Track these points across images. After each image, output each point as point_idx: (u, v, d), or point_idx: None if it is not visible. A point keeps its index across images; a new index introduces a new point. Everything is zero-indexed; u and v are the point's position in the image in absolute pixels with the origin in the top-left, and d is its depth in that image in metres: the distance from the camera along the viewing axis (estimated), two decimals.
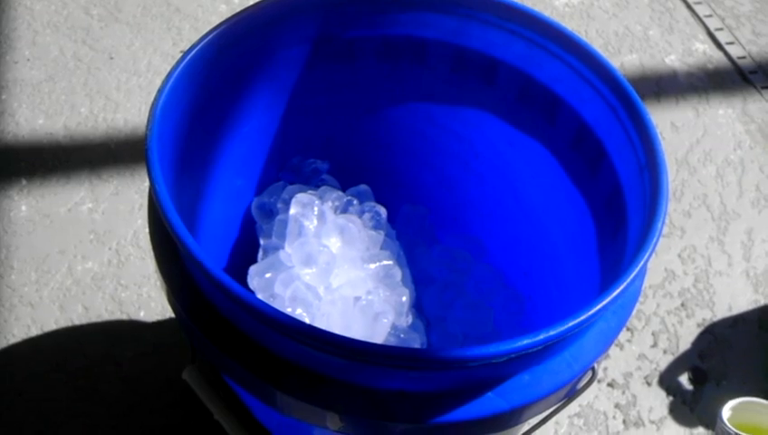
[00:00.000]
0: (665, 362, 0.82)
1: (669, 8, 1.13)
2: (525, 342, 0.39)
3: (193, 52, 0.52)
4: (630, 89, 0.53)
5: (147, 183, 0.91)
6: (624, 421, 0.78)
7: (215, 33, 0.53)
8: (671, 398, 0.80)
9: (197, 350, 0.53)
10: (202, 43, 0.52)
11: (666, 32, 1.10)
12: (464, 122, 0.66)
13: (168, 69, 0.52)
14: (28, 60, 1.01)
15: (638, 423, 0.78)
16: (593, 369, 0.47)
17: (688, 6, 1.13)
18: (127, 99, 0.98)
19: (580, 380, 0.47)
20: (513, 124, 0.63)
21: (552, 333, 0.40)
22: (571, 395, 0.48)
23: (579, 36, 0.57)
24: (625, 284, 0.43)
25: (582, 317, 0.41)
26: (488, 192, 0.70)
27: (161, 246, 0.51)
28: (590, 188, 0.58)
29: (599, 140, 0.56)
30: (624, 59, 1.06)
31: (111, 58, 1.02)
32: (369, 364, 0.40)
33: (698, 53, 1.08)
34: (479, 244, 0.72)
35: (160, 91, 0.50)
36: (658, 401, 0.80)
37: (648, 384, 0.81)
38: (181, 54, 0.53)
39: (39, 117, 0.96)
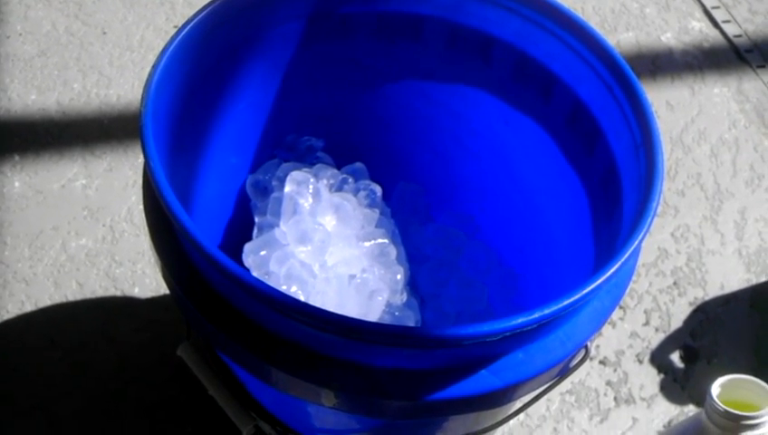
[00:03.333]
0: (656, 340, 0.83)
1: None
2: (519, 320, 0.40)
3: (186, 28, 0.51)
4: (627, 67, 0.53)
5: (140, 159, 0.90)
6: (615, 398, 0.79)
7: (208, 9, 0.53)
8: (662, 375, 0.81)
9: (192, 326, 0.54)
10: (195, 20, 0.52)
11: (662, 9, 1.10)
12: (459, 100, 0.66)
13: (162, 44, 0.51)
14: (20, 34, 1.00)
15: (630, 400, 0.79)
16: (586, 347, 0.48)
17: None
18: (120, 74, 0.97)
19: (573, 358, 0.48)
20: (509, 102, 0.63)
21: (545, 311, 0.40)
22: (564, 373, 0.48)
23: (575, 14, 0.56)
24: (619, 263, 0.43)
25: (576, 296, 0.41)
26: (483, 170, 0.70)
27: (156, 223, 0.51)
28: (585, 167, 0.58)
29: (594, 119, 0.56)
30: (620, 36, 1.06)
31: (104, 33, 1.01)
32: (363, 342, 0.40)
33: (694, 31, 1.08)
34: (473, 222, 0.72)
35: (154, 67, 0.50)
36: (649, 379, 0.81)
37: (640, 362, 0.81)
38: (175, 30, 0.53)
39: (31, 92, 0.95)
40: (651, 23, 1.08)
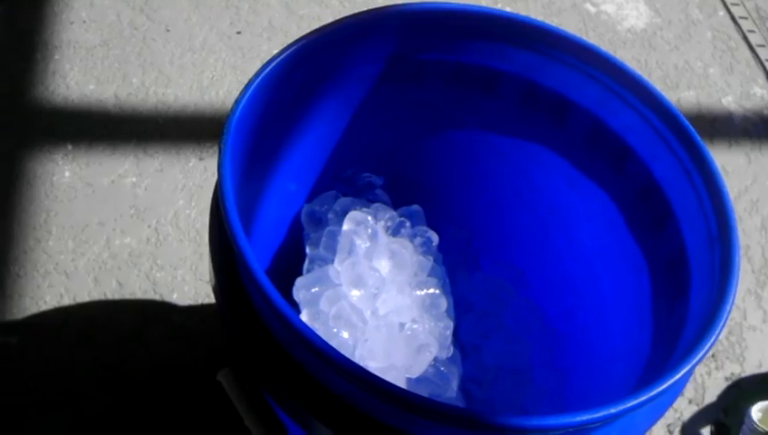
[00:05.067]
0: (689, 412, 0.82)
1: (732, 47, 1.11)
2: (590, 416, 0.39)
3: (270, 66, 0.51)
4: (710, 157, 0.52)
5: (191, 164, 0.90)
6: None
7: (291, 49, 0.53)
8: None
9: (241, 362, 0.53)
10: (279, 58, 0.52)
11: (725, 71, 1.08)
12: (525, 155, 0.66)
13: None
14: (84, 21, 1.01)
15: None
16: None
17: (751, 48, 1.11)
18: (179, 74, 0.97)
19: None
20: (577, 166, 0.62)
21: (619, 408, 0.39)
22: None
23: (658, 90, 0.56)
24: (688, 368, 0.42)
25: (647, 396, 0.41)
26: (539, 226, 0.69)
27: (219, 250, 0.50)
28: (650, 245, 0.57)
29: (667, 200, 0.55)
30: (681, 94, 1.05)
31: (168, 30, 1.01)
32: (424, 419, 0.40)
33: (756, 97, 1.07)
34: (522, 275, 0.72)
35: (237, 103, 0.49)
36: None
37: (671, 433, 0.80)
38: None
39: (90, 82, 0.95)
40: (713, 84, 1.07)
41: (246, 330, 0.48)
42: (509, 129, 0.65)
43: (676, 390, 0.48)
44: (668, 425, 0.80)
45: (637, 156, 0.58)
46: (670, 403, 0.48)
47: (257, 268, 0.43)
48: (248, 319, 0.48)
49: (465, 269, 0.71)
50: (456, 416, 0.39)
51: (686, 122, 0.53)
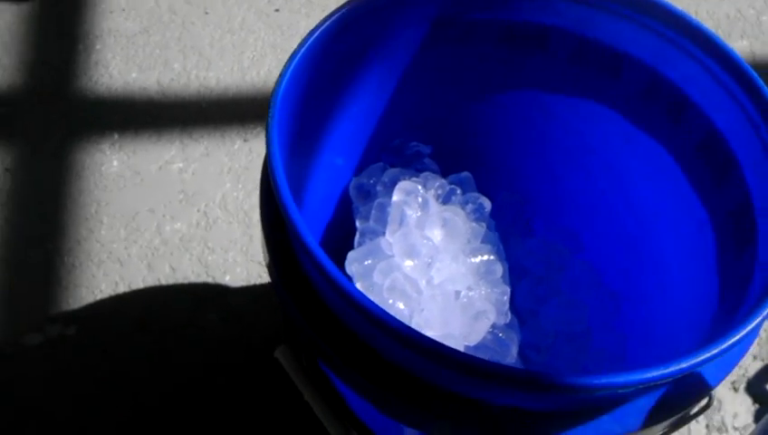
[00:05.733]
0: (754, 368, 0.80)
1: None
2: (659, 372, 0.38)
3: (315, 34, 0.50)
4: None
5: (236, 146, 0.90)
6: (707, 426, 0.76)
7: (336, 15, 0.51)
8: (757, 406, 0.78)
9: (297, 335, 0.53)
10: (324, 26, 0.51)
11: None
12: (578, 114, 0.64)
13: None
14: (123, 10, 1.01)
15: (722, 429, 0.76)
16: (710, 396, 0.45)
17: None
18: (220, 57, 0.97)
19: (695, 406, 0.45)
20: (633, 121, 0.60)
21: (689, 363, 0.38)
22: (684, 420, 0.46)
23: (717, 36, 0.53)
24: (760, 318, 0.41)
25: (720, 348, 0.39)
26: (594, 187, 0.67)
27: (271, 227, 0.50)
28: (712, 198, 0.55)
29: (730, 151, 0.53)
30: (734, 44, 1.01)
31: (206, 13, 1.01)
32: (489, 383, 0.39)
33: None
34: (576, 238, 0.70)
35: (282, 75, 0.49)
36: (744, 408, 0.78)
37: (735, 390, 0.78)
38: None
39: (132, 70, 0.96)
40: (767, 31, 1.03)
41: (302, 303, 0.47)
42: (560, 88, 0.63)
43: (747, 343, 0.46)
44: (733, 382, 0.78)
45: (696, 107, 0.56)
46: (740, 357, 0.46)
47: (311, 240, 0.43)
48: (303, 293, 0.47)
49: (518, 235, 0.70)
50: (523, 378, 0.38)
51: (752, 71, 0.51)
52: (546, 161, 0.69)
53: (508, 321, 0.59)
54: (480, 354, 0.56)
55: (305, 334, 0.48)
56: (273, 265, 0.50)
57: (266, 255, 0.51)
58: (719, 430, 0.76)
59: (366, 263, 0.58)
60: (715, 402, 0.76)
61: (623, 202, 0.65)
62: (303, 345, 0.54)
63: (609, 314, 0.67)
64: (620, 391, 0.38)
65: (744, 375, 0.79)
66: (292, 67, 0.48)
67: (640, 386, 0.38)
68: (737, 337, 0.40)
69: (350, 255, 0.59)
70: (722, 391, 0.78)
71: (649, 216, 0.62)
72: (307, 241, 0.42)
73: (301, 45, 0.49)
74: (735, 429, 0.76)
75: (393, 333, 0.39)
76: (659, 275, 0.63)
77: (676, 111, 0.56)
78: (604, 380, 0.38)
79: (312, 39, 0.50)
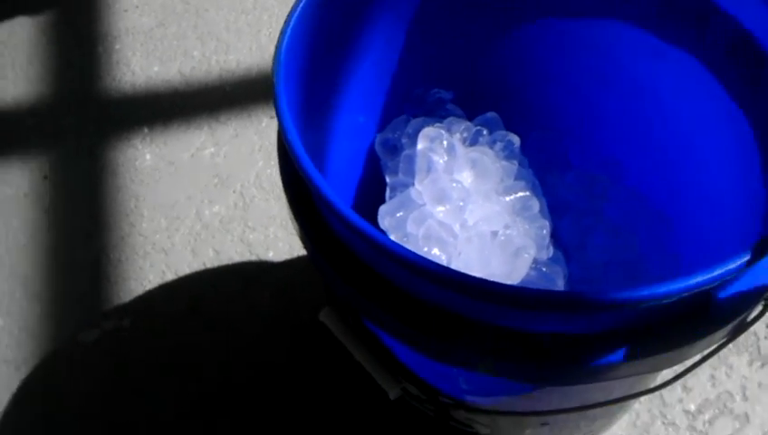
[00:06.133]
0: None
1: None
2: (703, 278, 0.36)
3: None
4: None
5: (264, 124, 0.90)
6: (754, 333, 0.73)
7: None
8: None
9: (335, 293, 0.52)
10: None
11: None
12: (602, 35, 0.61)
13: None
14: (137, 7, 1.01)
15: None
16: (766, 300, 0.43)
17: None
18: (237, 39, 0.97)
19: (751, 312, 0.43)
20: (658, 34, 0.58)
21: (730, 267, 0.36)
22: (741, 329, 0.44)
23: None
24: None
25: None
26: (628, 109, 0.65)
27: (294, 192, 0.49)
28: (749, 103, 0.52)
29: (761, 51, 0.50)
30: None
31: None
32: (528, 311, 0.38)
33: None
34: (618, 165, 0.67)
35: (283, 33, 0.48)
36: None
37: None
38: None
39: (154, 64, 0.96)
40: None
41: (335, 261, 0.46)
42: (580, 10, 0.61)
43: None
44: None
45: (721, 11, 0.53)
46: None
47: (330, 192, 0.42)
48: (335, 250, 0.46)
49: (555, 170, 0.68)
50: (563, 300, 0.37)
51: None
52: (576, 90, 0.66)
53: (551, 255, 0.58)
54: None
55: (346, 294, 0.47)
56: (304, 233, 0.49)
57: (294, 221, 0.50)
58: None
59: (398, 215, 0.57)
60: None
61: (659, 121, 0.63)
62: (346, 306, 0.54)
63: (660, 239, 0.65)
64: (665, 301, 0.37)
65: None
66: (293, 21, 0.47)
67: (684, 293, 0.36)
68: None
69: (382, 209, 0.59)
70: None
71: (688, 131, 0.60)
72: (327, 194, 0.42)
73: (298, 1, 0.48)
74: None
75: (431, 275, 0.38)
76: (707, 192, 0.61)
77: (703, 18, 0.54)
78: (646, 291, 0.36)
79: None
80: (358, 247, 0.45)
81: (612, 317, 0.40)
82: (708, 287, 0.37)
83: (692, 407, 0.69)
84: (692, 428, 0.68)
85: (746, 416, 0.68)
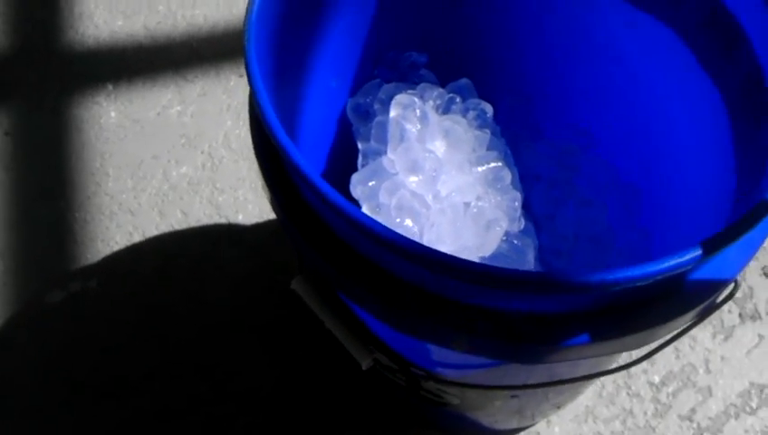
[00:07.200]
0: None
1: None
2: (675, 261, 0.36)
3: None
4: None
5: (233, 83, 0.88)
6: (740, 315, 0.75)
7: None
8: None
9: (308, 264, 0.52)
10: None
11: None
12: (576, 3, 0.60)
13: None
14: None
15: (755, 316, 0.75)
16: (736, 281, 0.44)
17: None
18: None
19: (721, 293, 0.44)
20: (633, 3, 0.57)
21: (710, 246, 0.36)
22: (710, 309, 0.44)
23: None
24: None
25: (739, 235, 0.37)
26: (600, 78, 0.64)
27: (267, 162, 0.48)
28: (722, 75, 0.52)
29: (736, 23, 0.50)
30: None
31: None
32: (501, 290, 0.38)
33: None
34: (589, 135, 0.67)
35: None
36: None
37: (766, 276, 0.77)
38: None
39: (117, 18, 0.93)
40: None
41: (308, 232, 0.46)
42: None
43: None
44: (763, 268, 0.77)
45: None
46: (764, 238, 0.44)
47: (303, 163, 0.41)
48: (307, 221, 0.46)
49: (527, 139, 0.68)
50: (534, 280, 0.37)
51: None
52: (548, 58, 0.66)
53: (522, 228, 0.58)
54: (496, 264, 0.55)
55: (316, 264, 0.47)
56: (275, 199, 0.49)
57: (266, 188, 0.50)
58: (752, 317, 0.75)
59: (370, 184, 0.57)
60: (746, 290, 0.75)
61: (632, 92, 0.62)
62: (316, 274, 0.53)
63: (630, 212, 0.65)
64: (639, 283, 0.37)
65: None
66: None
67: (658, 277, 0.37)
68: (752, 219, 0.38)
69: (354, 177, 0.58)
70: (753, 278, 0.76)
71: (660, 101, 0.60)
72: (300, 165, 0.41)
73: None
74: None
75: (400, 249, 0.38)
76: (677, 164, 0.61)
77: None
78: (619, 274, 0.36)
79: None
80: (330, 219, 0.44)
81: (583, 298, 0.40)
82: (683, 270, 0.37)
83: (656, 379, 0.70)
84: (656, 399, 0.70)
85: (709, 389, 0.70)
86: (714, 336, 0.73)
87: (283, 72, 0.53)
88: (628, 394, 0.70)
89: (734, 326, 0.74)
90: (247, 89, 0.87)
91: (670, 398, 0.70)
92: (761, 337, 0.73)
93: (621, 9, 0.58)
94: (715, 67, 0.54)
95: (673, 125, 0.60)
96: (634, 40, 0.59)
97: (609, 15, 0.59)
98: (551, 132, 0.69)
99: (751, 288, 0.76)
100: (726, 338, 0.73)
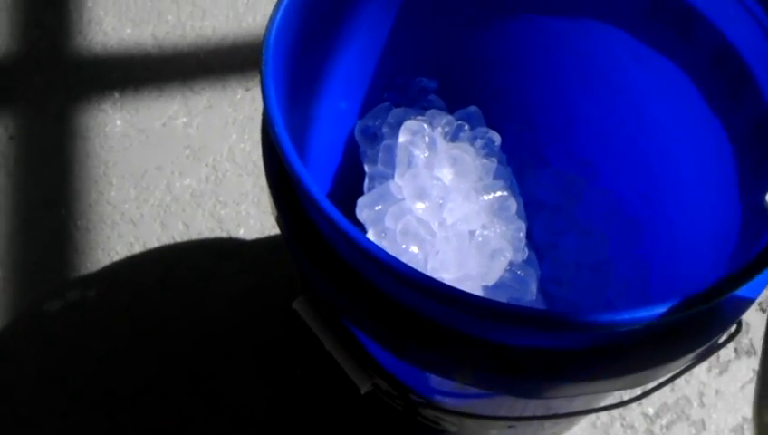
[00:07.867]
0: None
1: None
2: (682, 304, 0.36)
3: None
4: None
5: (239, 96, 0.88)
6: (736, 350, 0.75)
7: None
8: None
9: (313, 288, 0.52)
10: None
11: None
12: (584, 35, 0.61)
13: None
14: None
15: (750, 352, 0.75)
16: (739, 322, 0.44)
17: None
18: (213, 5, 0.94)
19: (723, 334, 0.44)
20: (641, 39, 0.58)
21: (717, 290, 0.37)
22: (713, 349, 0.45)
23: None
24: None
25: (740, 275, 0.38)
26: (606, 111, 0.65)
27: (276, 181, 0.48)
28: (729, 114, 0.53)
29: (744, 64, 0.50)
30: None
31: None
32: (505, 325, 0.38)
33: None
34: (593, 166, 0.68)
35: (272, 18, 0.47)
36: None
37: (763, 311, 0.77)
38: None
39: (126, 26, 0.93)
40: None
41: (313, 255, 0.46)
42: (564, 9, 0.61)
43: None
44: (760, 303, 0.77)
45: (706, 20, 0.53)
46: (765, 283, 0.44)
47: (315, 190, 0.41)
48: (314, 244, 0.46)
49: (531, 167, 0.68)
50: (539, 318, 0.37)
51: None
52: (556, 89, 0.66)
53: (525, 257, 0.58)
54: (499, 293, 0.55)
55: (320, 286, 0.47)
56: (282, 219, 0.49)
57: (274, 208, 0.50)
58: (748, 353, 0.75)
59: (377, 208, 0.57)
60: (742, 324, 0.76)
61: (637, 125, 0.63)
62: (319, 297, 0.53)
63: (630, 243, 0.66)
64: (644, 324, 0.37)
65: None
66: (282, 7, 0.46)
67: (663, 319, 0.37)
68: (757, 265, 0.38)
69: (360, 201, 0.58)
70: (749, 314, 0.77)
71: (665, 137, 0.60)
72: (312, 191, 0.41)
73: None
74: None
75: (405, 280, 0.38)
76: (680, 200, 0.62)
77: (686, 25, 0.54)
78: (626, 315, 0.37)
79: None
80: (336, 243, 0.45)
81: (587, 336, 0.40)
82: (691, 313, 0.37)
83: (650, 411, 0.71)
84: (650, 431, 0.70)
85: (702, 422, 0.70)
86: (709, 370, 0.74)
87: (295, 93, 0.54)
88: (622, 425, 0.70)
89: (729, 361, 0.74)
90: (253, 103, 0.87)
91: (664, 430, 0.70)
92: (756, 372, 0.74)
93: (631, 45, 0.59)
94: (721, 104, 0.54)
95: (677, 159, 0.60)
96: (642, 76, 0.60)
97: (618, 49, 0.60)
98: (555, 162, 0.69)
99: (747, 323, 0.76)
100: (721, 372, 0.74)
